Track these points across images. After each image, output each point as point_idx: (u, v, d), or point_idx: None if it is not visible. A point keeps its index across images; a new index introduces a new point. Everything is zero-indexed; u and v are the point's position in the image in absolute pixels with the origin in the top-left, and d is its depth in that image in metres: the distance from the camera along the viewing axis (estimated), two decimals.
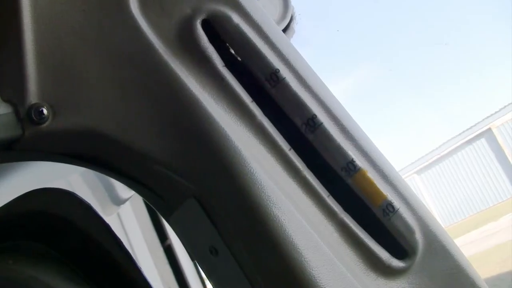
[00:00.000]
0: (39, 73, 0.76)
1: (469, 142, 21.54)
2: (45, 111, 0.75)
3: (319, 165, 0.80)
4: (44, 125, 0.75)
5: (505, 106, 20.48)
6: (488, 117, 20.85)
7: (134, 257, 2.03)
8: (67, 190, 0.95)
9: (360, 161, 0.81)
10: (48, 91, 0.76)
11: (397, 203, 0.81)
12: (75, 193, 0.96)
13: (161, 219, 2.27)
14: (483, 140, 21.15)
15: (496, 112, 20.68)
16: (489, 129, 20.75)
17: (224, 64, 0.80)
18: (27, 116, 0.75)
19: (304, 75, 0.83)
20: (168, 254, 2.27)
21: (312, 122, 0.80)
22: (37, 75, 0.76)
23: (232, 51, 0.84)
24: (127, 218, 2.13)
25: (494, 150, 20.81)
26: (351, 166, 0.80)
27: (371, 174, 0.81)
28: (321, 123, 0.80)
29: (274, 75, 0.81)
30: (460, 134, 21.87)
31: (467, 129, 21.54)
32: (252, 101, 0.79)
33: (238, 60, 0.84)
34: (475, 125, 21.33)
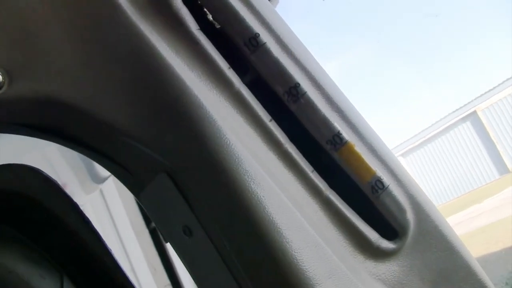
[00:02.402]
0: None
1: (455, 125, 21.66)
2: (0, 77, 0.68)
3: (302, 137, 0.74)
4: None
5: (490, 90, 20.59)
6: (473, 100, 20.96)
7: (118, 238, 1.99)
8: (31, 166, 0.89)
9: (347, 134, 0.75)
10: (3, 55, 0.69)
11: (387, 179, 0.75)
12: (41, 170, 0.89)
13: None
14: (468, 123, 21.27)
15: (481, 95, 20.78)
16: (475, 111, 20.87)
17: (198, 28, 0.73)
18: None
19: (286, 40, 0.76)
20: (153, 237, 2.23)
21: (295, 90, 0.74)
22: None
23: (210, 17, 0.77)
24: (111, 198, 2.08)
25: (479, 133, 20.95)
26: (337, 139, 0.74)
27: (359, 148, 0.75)
28: (305, 92, 0.74)
29: (254, 39, 0.74)
30: (445, 117, 21.99)
31: (453, 112, 21.66)
32: (229, 68, 0.73)
33: (215, 27, 0.77)
34: (460, 108, 21.43)
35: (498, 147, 20.33)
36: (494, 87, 20.32)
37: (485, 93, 20.55)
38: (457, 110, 21.40)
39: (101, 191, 1.99)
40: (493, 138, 20.43)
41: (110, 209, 2.07)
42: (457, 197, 21.91)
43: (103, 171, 1.90)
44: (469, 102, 20.93)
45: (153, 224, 2.24)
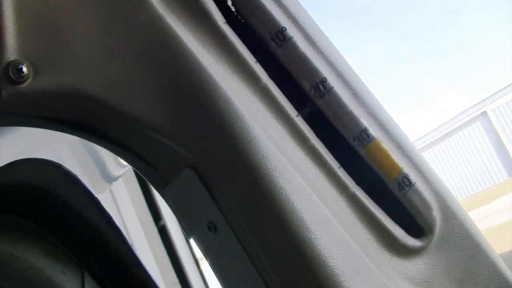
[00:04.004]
0: (19, 26, 0.68)
1: (464, 125, 21.53)
2: (24, 69, 0.67)
3: (329, 133, 0.73)
4: (24, 84, 0.67)
5: (500, 90, 20.44)
6: (483, 100, 20.81)
7: (127, 237, 1.99)
8: (52, 161, 0.88)
9: (374, 130, 0.74)
10: (29, 47, 0.68)
11: (413, 176, 0.74)
12: (61, 164, 0.89)
13: (156, 199, 2.23)
14: (478, 123, 21.14)
15: (491, 95, 20.64)
16: (485, 112, 20.73)
17: (225, 21, 0.72)
18: (4, 74, 0.66)
19: (313, 34, 0.75)
20: (162, 235, 2.22)
21: (322, 86, 0.73)
22: (16, 28, 0.68)
23: (233, 9, 0.76)
24: (121, 198, 2.08)
25: (489, 134, 20.81)
26: (364, 135, 0.73)
27: (386, 145, 0.74)
28: (332, 87, 0.73)
29: (280, 33, 0.73)
30: (455, 117, 21.85)
31: (463, 112, 21.51)
32: (256, 62, 0.72)
33: (241, 20, 0.76)
34: (470, 108, 21.29)
35: (508, 148, 20.19)
36: (505, 87, 20.17)
37: (495, 93, 20.40)
38: (467, 110, 21.26)
39: (111, 191, 1.99)
40: (503, 139, 20.29)
41: (120, 208, 2.07)
42: (465, 198, 21.78)
43: (113, 171, 1.90)
44: (479, 102, 20.80)
45: (161, 223, 2.24)
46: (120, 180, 2.08)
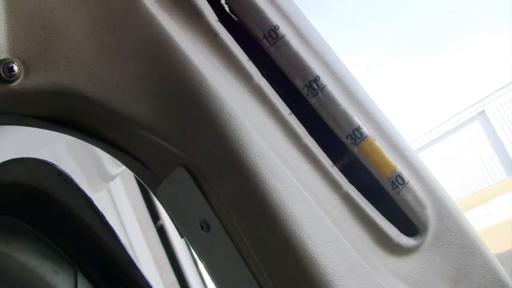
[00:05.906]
0: (10, 24, 0.67)
1: (463, 124, 21.52)
2: (15, 68, 0.66)
3: (322, 132, 0.73)
4: (15, 83, 0.67)
5: (498, 89, 20.43)
6: (482, 99, 20.80)
7: (125, 237, 1.99)
8: (45, 160, 0.88)
9: (367, 128, 0.74)
10: (20, 46, 0.67)
11: (407, 174, 0.74)
12: (54, 164, 0.88)
13: (154, 198, 2.23)
14: (476, 122, 21.13)
15: (490, 95, 20.62)
16: (483, 111, 20.72)
17: (217, 19, 0.72)
18: None
19: (306, 33, 0.75)
20: (160, 235, 2.22)
21: (315, 84, 0.72)
22: (6, 27, 0.67)
23: (226, 8, 0.76)
24: (119, 198, 2.08)
25: (487, 133, 20.80)
26: (357, 134, 0.73)
27: (379, 143, 0.74)
28: (325, 86, 0.73)
29: (273, 32, 0.73)
30: (453, 116, 21.83)
31: (461, 111, 21.49)
32: (248, 60, 0.71)
33: (234, 19, 0.76)
34: (469, 107, 21.27)
35: (507, 147, 20.16)
36: (503, 87, 20.15)
37: (494, 92, 20.37)
38: (465, 109, 21.22)
39: (108, 190, 1.99)
40: (501, 138, 20.27)
41: (118, 207, 2.06)
42: (464, 198, 21.76)
43: (111, 170, 1.90)
44: (477, 102, 20.76)
45: (160, 222, 2.24)
46: (117, 178, 2.07)
